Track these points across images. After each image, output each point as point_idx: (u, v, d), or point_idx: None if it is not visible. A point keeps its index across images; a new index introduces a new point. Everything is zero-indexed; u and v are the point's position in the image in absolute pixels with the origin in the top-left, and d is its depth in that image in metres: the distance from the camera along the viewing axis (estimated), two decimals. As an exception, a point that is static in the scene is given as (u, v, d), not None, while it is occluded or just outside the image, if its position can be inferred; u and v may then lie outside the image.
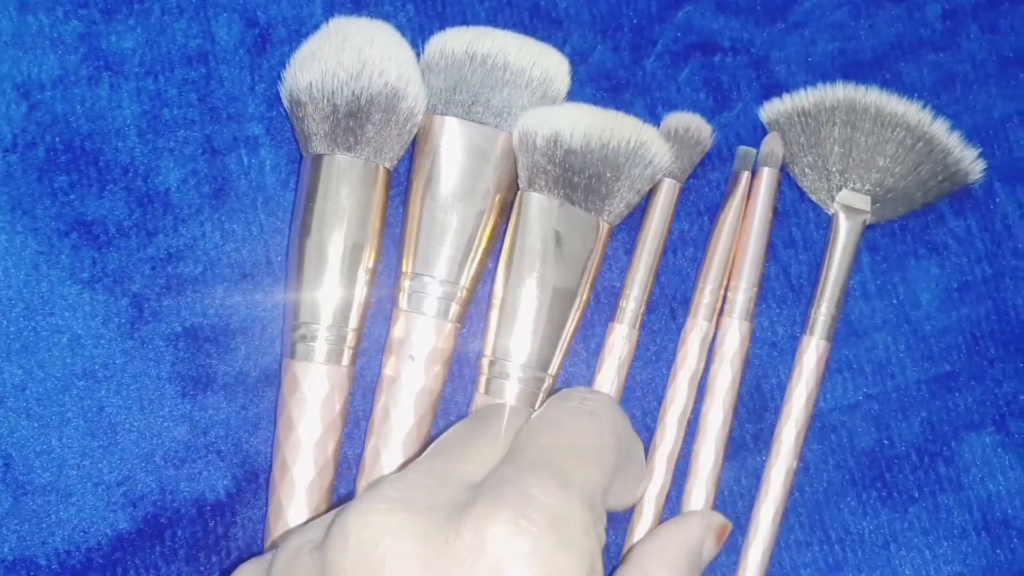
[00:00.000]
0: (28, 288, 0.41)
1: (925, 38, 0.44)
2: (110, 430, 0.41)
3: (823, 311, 0.41)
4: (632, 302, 0.41)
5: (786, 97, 0.42)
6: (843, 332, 0.42)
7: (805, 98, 0.42)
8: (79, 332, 0.41)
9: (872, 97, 0.42)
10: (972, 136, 0.43)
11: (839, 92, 0.42)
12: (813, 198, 0.42)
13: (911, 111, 0.41)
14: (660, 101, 0.43)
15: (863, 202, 0.41)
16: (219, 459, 0.41)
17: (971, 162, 0.42)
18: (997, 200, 0.43)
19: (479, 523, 0.27)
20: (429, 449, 0.34)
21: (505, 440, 0.33)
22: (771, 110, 0.42)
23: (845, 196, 0.41)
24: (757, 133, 0.43)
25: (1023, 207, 0.43)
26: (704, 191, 0.43)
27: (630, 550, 0.37)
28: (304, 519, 0.39)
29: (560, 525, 0.28)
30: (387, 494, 0.29)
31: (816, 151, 0.41)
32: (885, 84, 0.43)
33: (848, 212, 0.41)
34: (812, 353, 0.41)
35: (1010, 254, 0.43)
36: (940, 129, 0.41)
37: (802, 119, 0.42)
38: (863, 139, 0.41)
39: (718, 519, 0.37)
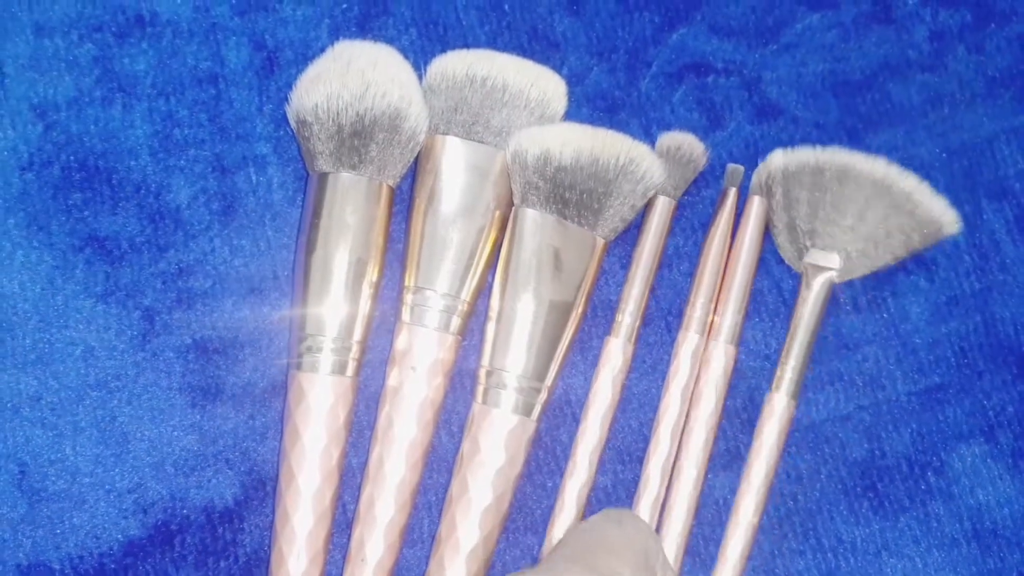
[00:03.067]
0: (43, 301, 0.43)
1: (913, 59, 0.45)
2: (122, 439, 0.42)
3: (789, 368, 0.41)
4: (627, 316, 0.42)
5: (767, 161, 0.43)
6: (835, 345, 0.43)
7: (777, 160, 0.42)
8: (92, 344, 0.43)
9: (839, 159, 0.41)
10: (960, 154, 0.44)
11: (809, 155, 0.42)
12: (784, 255, 0.43)
13: (877, 168, 0.41)
14: (655, 121, 0.45)
15: (831, 260, 0.41)
16: (227, 467, 0.42)
17: (943, 213, 0.41)
18: (984, 216, 0.44)
19: None
20: None
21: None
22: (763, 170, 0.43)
23: (814, 255, 0.42)
24: (749, 152, 0.44)
25: (1010, 223, 0.44)
26: (698, 207, 0.44)
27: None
28: (309, 526, 0.40)
29: None
30: None
31: (787, 209, 0.42)
32: (874, 104, 0.45)
33: (815, 270, 0.42)
34: (776, 409, 0.41)
35: (998, 269, 0.44)
36: (908, 184, 0.41)
37: (775, 180, 0.42)
38: (831, 200, 0.41)
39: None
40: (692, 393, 0.42)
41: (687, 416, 0.42)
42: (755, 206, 0.42)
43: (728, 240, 0.42)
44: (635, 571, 0.35)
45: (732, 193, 0.43)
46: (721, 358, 0.41)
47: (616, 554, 0.36)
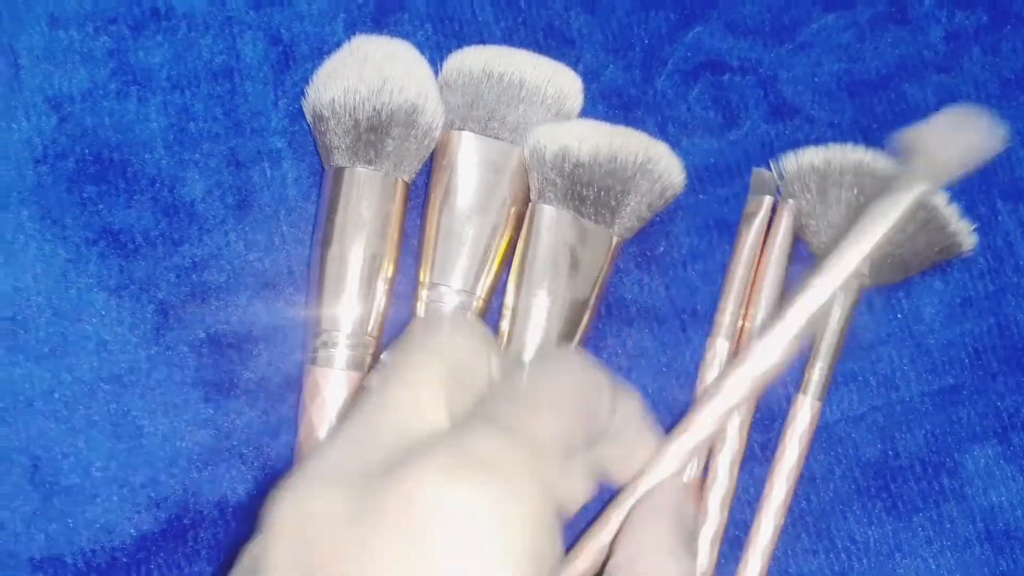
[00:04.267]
0: (57, 295, 0.43)
1: (928, 60, 0.45)
2: (135, 433, 0.42)
3: (817, 370, 0.42)
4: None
5: (799, 153, 0.43)
6: (849, 345, 0.43)
7: (816, 155, 0.42)
8: (106, 338, 0.43)
9: (880, 162, 0.42)
10: (975, 155, 0.44)
11: (849, 153, 0.42)
12: (815, 254, 0.43)
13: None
14: (671, 119, 0.45)
15: (863, 265, 0.42)
16: (241, 462, 0.42)
17: (966, 234, 0.42)
18: (999, 218, 0.44)
19: (407, 478, 0.24)
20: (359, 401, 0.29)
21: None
22: (785, 165, 0.43)
23: None
24: (765, 151, 0.44)
25: (1024, 224, 0.44)
26: (713, 207, 0.44)
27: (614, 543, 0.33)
28: (323, 521, 0.40)
29: (498, 472, 0.24)
30: (317, 469, 0.26)
31: (822, 209, 0.42)
32: (890, 104, 0.45)
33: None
34: (805, 412, 0.41)
35: (1012, 271, 0.44)
36: (940, 200, 0.42)
37: (811, 176, 0.42)
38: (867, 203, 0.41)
39: (683, 479, 0.35)
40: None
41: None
42: (786, 211, 0.42)
43: (759, 247, 0.42)
44: (580, 429, 0.28)
45: (768, 202, 0.42)
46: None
47: (543, 411, 0.27)
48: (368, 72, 0.41)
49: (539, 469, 0.26)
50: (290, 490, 0.25)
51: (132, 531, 0.42)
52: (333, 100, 0.41)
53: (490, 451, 0.25)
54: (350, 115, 0.40)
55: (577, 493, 0.29)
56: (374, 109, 0.40)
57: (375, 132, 0.41)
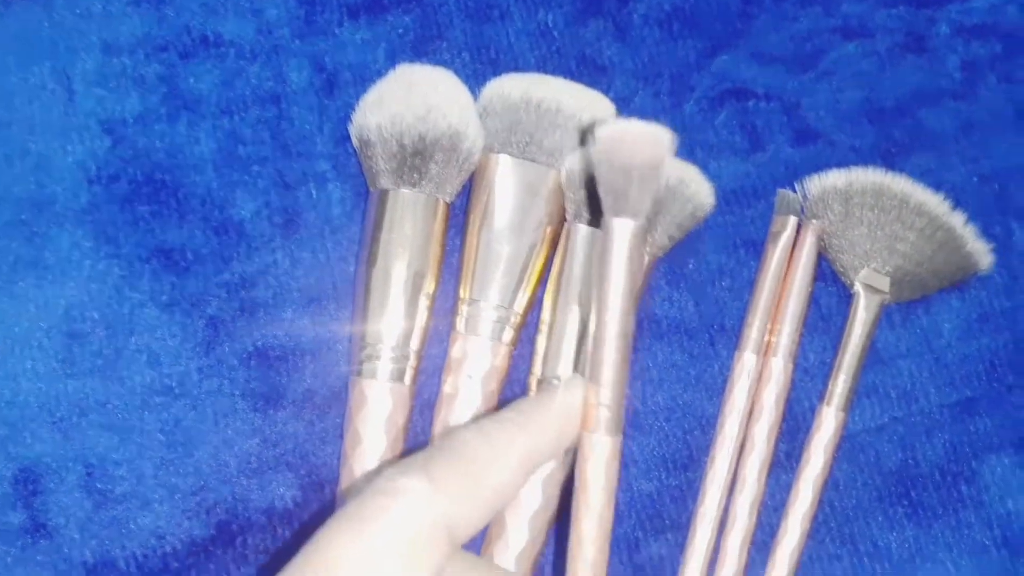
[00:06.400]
0: (111, 310, 0.45)
1: (945, 87, 0.47)
2: (186, 443, 0.44)
3: (840, 383, 0.44)
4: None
5: (822, 175, 0.45)
6: (870, 359, 0.45)
7: (838, 178, 0.44)
8: (158, 351, 0.44)
9: (900, 185, 0.44)
10: (990, 178, 0.46)
11: (871, 176, 0.44)
12: (838, 272, 0.45)
13: (933, 202, 0.44)
14: (699, 143, 0.47)
15: (883, 282, 0.44)
16: (288, 470, 0.44)
17: (983, 254, 0.45)
18: (1014, 238, 0.46)
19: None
20: None
21: None
22: (809, 187, 0.45)
23: (866, 275, 0.44)
24: (789, 174, 0.46)
25: (1038, 244, 0.46)
26: (740, 226, 0.46)
27: None
28: (370, 526, 0.41)
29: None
30: None
31: (844, 228, 0.44)
32: (908, 130, 0.47)
33: (868, 290, 0.44)
34: (830, 422, 0.43)
35: (1026, 288, 0.46)
36: (957, 221, 0.44)
37: (834, 197, 0.44)
38: (888, 223, 0.44)
39: None
40: (752, 408, 0.44)
41: (747, 429, 0.43)
42: (811, 231, 0.44)
43: (785, 267, 0.44)
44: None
45: (793, 223, 0.44)
46: (781, 374, 0.43)
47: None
48: (413, 99, 0.43)
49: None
50: None
51: (183, 536, 0.43)
52: (380, 126, 0.43)
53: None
54: (396, 140, 0.42)
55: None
56: (419, 135, 0.42)
57: (420, 156, 0.42)
